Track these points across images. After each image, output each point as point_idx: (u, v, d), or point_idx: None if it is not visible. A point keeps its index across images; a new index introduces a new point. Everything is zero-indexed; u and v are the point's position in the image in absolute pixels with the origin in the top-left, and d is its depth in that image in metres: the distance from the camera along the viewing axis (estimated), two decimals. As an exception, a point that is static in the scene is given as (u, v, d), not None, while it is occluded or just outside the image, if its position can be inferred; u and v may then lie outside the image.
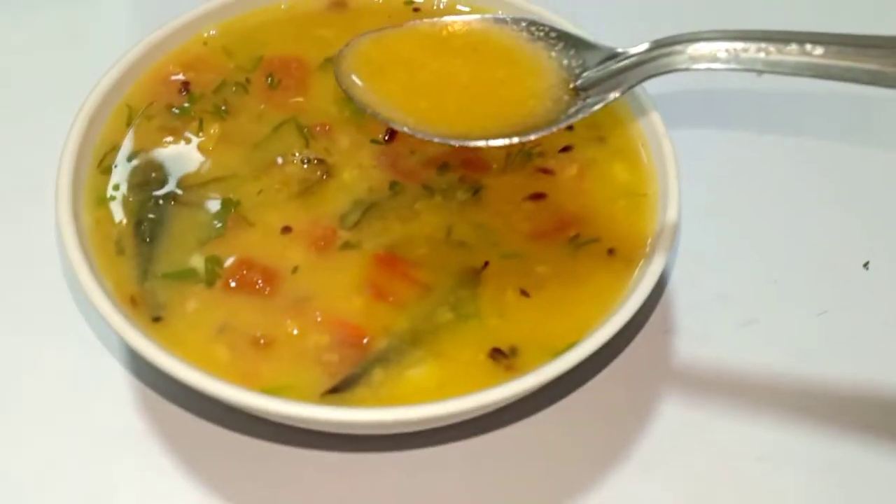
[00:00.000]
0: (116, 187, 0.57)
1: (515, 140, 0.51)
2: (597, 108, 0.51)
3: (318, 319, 0.52)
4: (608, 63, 0.52)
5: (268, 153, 0.58)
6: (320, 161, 0.58)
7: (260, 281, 0.53)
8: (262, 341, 0.51)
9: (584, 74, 0.52)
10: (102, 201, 0.56)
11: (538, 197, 0.57)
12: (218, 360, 0.50)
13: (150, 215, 0.55)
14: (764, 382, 0.58)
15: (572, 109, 0.52)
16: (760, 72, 0.48)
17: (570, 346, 0.50)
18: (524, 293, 0.53)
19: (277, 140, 0.59)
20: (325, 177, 0.57)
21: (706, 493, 0.54)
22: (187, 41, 0.63)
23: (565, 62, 0.53)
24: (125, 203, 0.56)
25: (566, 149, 0.59)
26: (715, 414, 0.57)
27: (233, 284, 0.53)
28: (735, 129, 0.70)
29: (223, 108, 0.60)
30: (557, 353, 0.50)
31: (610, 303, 0.52)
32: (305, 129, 0.59)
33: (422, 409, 0.47)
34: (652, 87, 0.56)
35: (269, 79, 0.62)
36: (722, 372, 0.59)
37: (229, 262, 0.54)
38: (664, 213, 0.54)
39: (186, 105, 0.60)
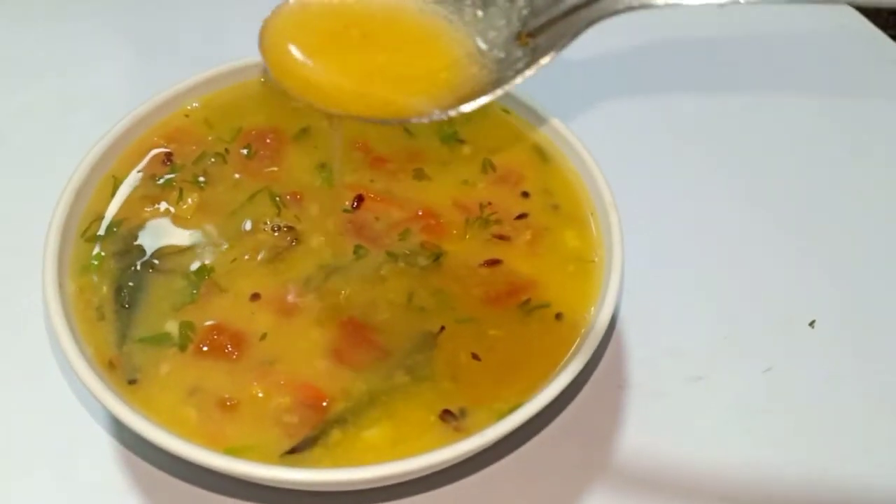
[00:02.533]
0: (99, 256, 0.60)
1: (453, 113, 0.51)
2: (547, 60, 0.50)
3: (282, 382, 0.55)
4: (554, 8, 0.51)
5: (241, 221, 0.62)
6: (290, 228, 0.61)
7: (229, 345, 0.56)
8: (228, 403, 0.54)
9: (531, 22, 0.52)
10: (86, 269, 0.60)
11: (493, 263, 0.60)
12: (187, 422, 0.54)
13: (130, 282, 0.59)
14: (711, 438, 0.61)
15: (520, 64, 0.51)
16: (721, 4, 0.47)
17: (516, 406, 0.53)
18: (475, 357, 0.56)
19: (251, 208, 0.62)
20: (293, 243, 0.61)
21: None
22: (171, 114, 0.67)
23: (508, 12, 0.52)
24: (107, 270, 0.60)
25: (522, 216, 0.62)
26: (666, 468, 0.59)
27: (204, 349, 0.56)
28: (686, 186, 0.73)
29: (201, 178, 0.64)
30: (504, 414, 0.53)
31: (556, 365, 0.55)
32: (278, 198, 0.63)
33: (373, 470, 0.50)
34: (603, 144, 0.59)
35: (247, 149, 0.65)
36: (671, 426, 0.61)
37: (203, 325, 0.57)
38: (608, 279, 0.57)
39: (169, 176, 0.64)
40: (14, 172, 0.73)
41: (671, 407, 0.62)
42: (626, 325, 0.65)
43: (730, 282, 0.68)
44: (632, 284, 0.66)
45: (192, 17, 0.85)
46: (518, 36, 0.53)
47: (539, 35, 0.52)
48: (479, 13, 0.54)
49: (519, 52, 0.53)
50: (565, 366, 0.54)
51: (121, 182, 0.64)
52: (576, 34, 0.50)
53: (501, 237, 0.61)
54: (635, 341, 0.65)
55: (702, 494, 0.59)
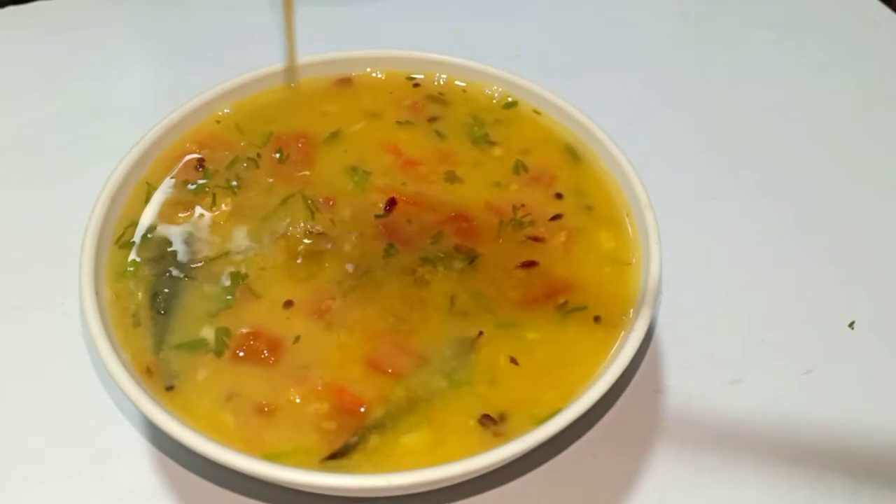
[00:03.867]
0: (134, 262, 0.60)
1: None
2: None
3: (319, 388, 0.55)
4: None
5: (275, 226, 0.61)
6: (321, 233, 0.61)
7: (265, 351, 0.56)
8: (265, 409, 0.54)
9: None
10: (122, 275, 0.59)
11: (530, 265, 0.60)
12: (224, 427, 0.53)
13: (165, 289, 0.59)
14: (750, 441, 0.60)
15: None
16: None
17: (556, 411, 0.52)
18: (514, 361, 0.56)
19: (284, 213, 0.62)
20: (328, 246, 0.60)
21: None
22: (203, 120, 0.67)
23: None
24: (142, 277, 0.59)
25: (556, 217, 0.62)
26: (704, 472, 0.59)
27: (241, 354, 0.56)
28: (720, 187, 0.72)
29: (235, 183, 0.64)
30: (544, 418, 0.52)
31: (595, 368, 0.55)
32: (310, 202, 0.63)
33: (413, 476, 0.50)
34: (633, 144, 0.59)
35: (279, 154, 0.65)
36: (709, 431, 0.60)
37: (238, 332, 0.57)
38: (646, 281, 0.57)
39: (202, 181, 0.64)
40: (46, 180, 0.73)
41: (708, 411, 0.61)
42: (661, 328, 0.65)
43: (766, 283, 0.67)
44: (665, 286, 0.65)
45: (218, 23, 0.85)
46: None
47: None
48: None
49: None
50: (605, 369, 0.54)
51: (154, 188, 0.64)
52: None
53: (536, 239, 0.61)
54: (670, 344, 0.64)
55: (742, 499, 0.58)
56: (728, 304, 0.66)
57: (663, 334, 0.64)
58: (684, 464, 0.59)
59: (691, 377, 0.62)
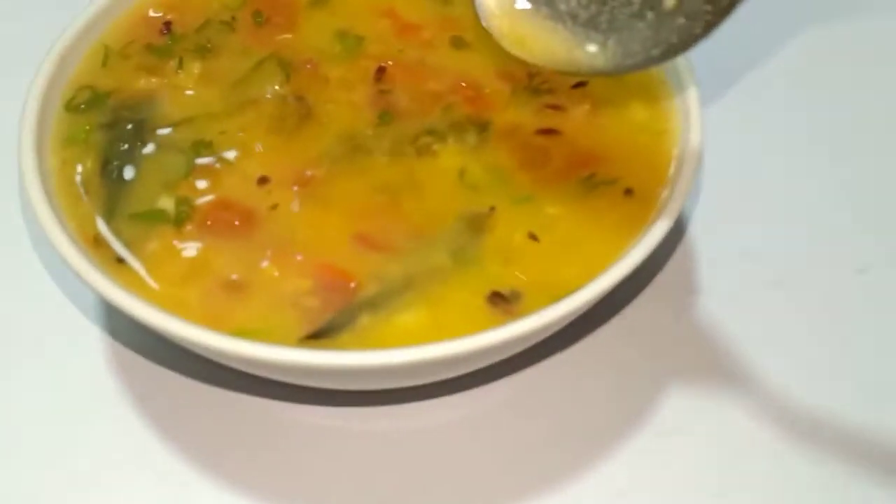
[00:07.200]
0: (85, 128, 0.53)
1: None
2: None
3: (300, 260, 0.47)
4: None
5: (247, 91, 0.54)
6: (300, 98, 0.54)
7: (237, 221, 0.49)
8: (235, 283, 0.47)
9: None
10: (70, 142, 0.52)
11: (550, 132, 0.52)
12: (186, 303, 0.46)
13: (119, 156, 0.51)
14: (795, 349, 0.52)
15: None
16: None
17: (576, 289, 0.45)
18: (533, 237, 0.49)
19: (258, 76, 0.54)
20: (307, 114, 0.53)
21: (729, 467, 0.49)
22: (170, -19, 0.59)
23: None
24: (94, 144, 0.52)
25: (579, 85, 0.54)
26: (741, 377, 0.51)
27: (208, 224, 0.49)
28: (766, 70, 0.64)
29: (207, 45, 0.56)
30: (562, 297, 0.45)
31: (624, 245, 0.47)
32: (287, 66, 0.55)
33: (409, 353, 0.42)
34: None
35: (256, 16, 0.57)
36: (748, 338, 0.53)
37: (202, 201, 0.50)
38: (686, 147, 0.50)
39: (168, 43, 0.56)
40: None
41: (748, 316, 0.54)
42: (694, 223, 0.57)
43: (814, 171, 0.59)
44: (699, 175, 0.58)
45: None
46: None
47: None
48: None
49: None
50: (635, 246, 0.46)
51: (113, 51, 0.56)
52: None
53: (556, 107, 0.53)
54: (704, 240, 0.56)
55: (784, 411, 0.50)
56: (771, 194, 0.58)
57: (695, 227, 0.57)
58: (717, 370, 0.52)
59: (729, 278, 0.55)
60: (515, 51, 0.50)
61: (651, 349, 0.52)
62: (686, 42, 0.47)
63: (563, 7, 0.49)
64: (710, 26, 0.46)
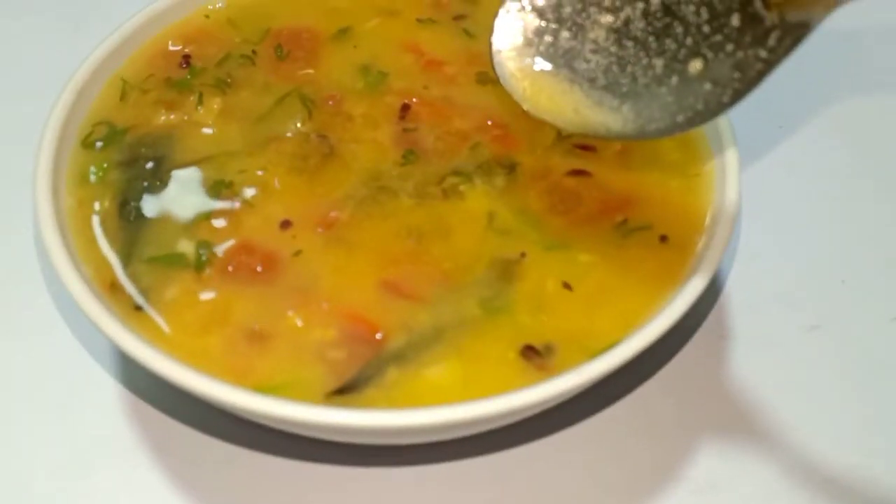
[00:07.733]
0: (102, 166, 0.51)
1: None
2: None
3: (325, 309, 0.46)
4: None
5: (268, 128, 0.52)
6: (323, 136, 0.52)
7: (259, 266, 0.47)
8: (258, 334, 0.45)
9: None
10: (87, 180, 0.50)
11: (580, 174, 0.51)
12: (206, 354, 0.44)
13: (137, 196, 0.50)
14: (830, 395, 0.51)
15: (771, 42, 0.43)
16: None
17: (613, 343, 0.43)
18: (567, 286, 0.47)
19: (280, 113, 0.53)
20: (330, 152, 0.51)
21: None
22: (190, 13, 0.57)
23: None
24: (111, 182, 0.50)
25: (608, 124, 0.52)
26: (777, 432, 0.50)
27: (230, 269, 0.47)
28: (797, 113, 0.63)
29: (228, 80, 0.54)
30: (598, 352, 0.43)
31: (661, 296, 0.46)
32: (308, 101, 0.53)
33: (442, 412, 0.40)
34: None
35: (278, 50, 0.56)
36: (784, 383, 0.51)
37: (223, 246, 0.48)
38: (722, 194, 0.48)
39: (187, 78, 0.55)
40: (6, 73, 0.63)
41: (783, 361, 0.52)
42: (728, 268, 0.56)
43: (848, 217, 0.58)
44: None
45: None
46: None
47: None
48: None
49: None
50: (676, 296, 0.45)
51: (130, 85, 0.54)
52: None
53: (585, 147, 0.51)
54: (738, 284, 0.55)
55: (820, 460, 0.49)
56: (804, 240, 0.57)
57: (731, 272, 0.55)
58: (753, 423, 0.50)
59: (763, 322, 0.53)
60: (537, 113, 0.48)
61: (686, 402, 0.50)
62: (713, 110, 0.45)
63: (582, 69, 0.48)
64: (738, 95, 0.44)
